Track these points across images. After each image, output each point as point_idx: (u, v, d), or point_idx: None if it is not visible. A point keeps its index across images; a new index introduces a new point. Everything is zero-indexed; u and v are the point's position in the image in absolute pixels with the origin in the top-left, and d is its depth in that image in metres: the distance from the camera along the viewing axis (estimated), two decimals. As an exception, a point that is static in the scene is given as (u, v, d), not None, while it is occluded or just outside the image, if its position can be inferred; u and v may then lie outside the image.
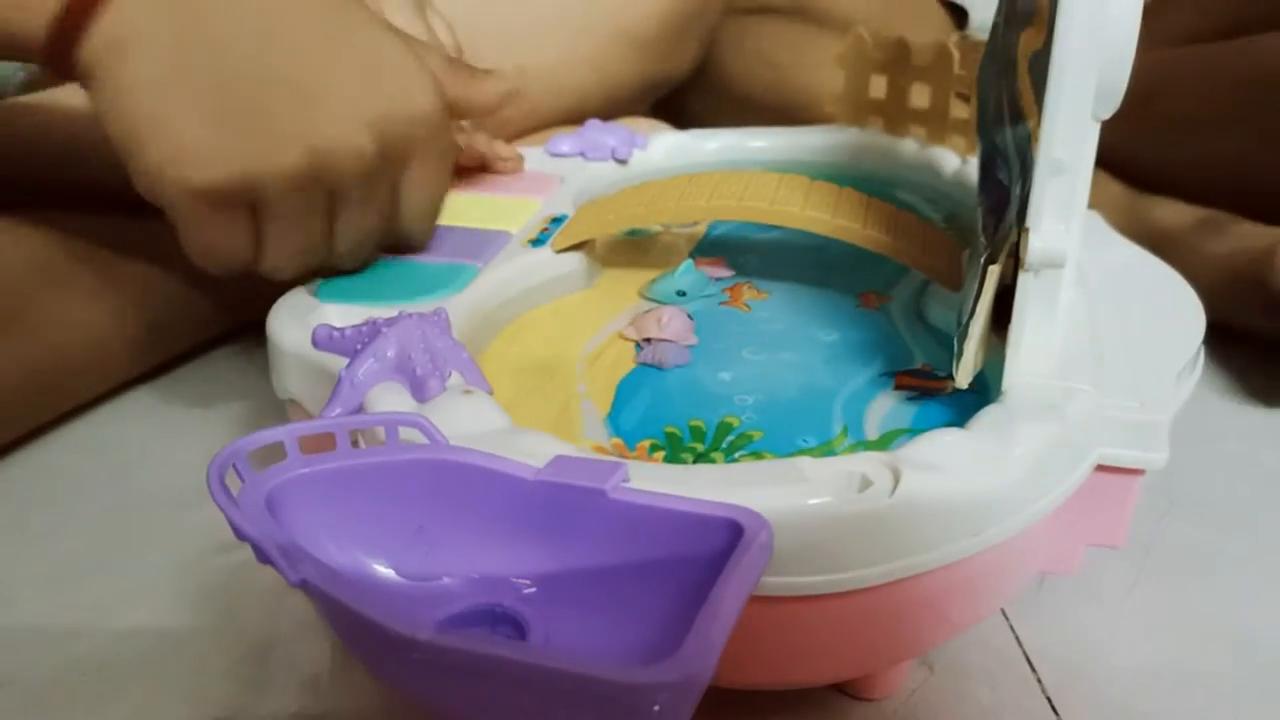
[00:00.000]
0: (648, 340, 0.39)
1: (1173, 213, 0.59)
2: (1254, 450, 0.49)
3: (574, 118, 0.63)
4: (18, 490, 0.46)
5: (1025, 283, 0.31)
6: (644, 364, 0.38)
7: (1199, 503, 0.44)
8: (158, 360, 0.53)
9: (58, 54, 0.36)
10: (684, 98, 0.75)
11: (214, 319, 0.55)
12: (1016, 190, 0.32)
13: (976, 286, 0.33)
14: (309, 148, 0.36)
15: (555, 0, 0.61)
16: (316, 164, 0.36)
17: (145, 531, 0.42)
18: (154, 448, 0.49)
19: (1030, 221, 0.31)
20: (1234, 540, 0.42)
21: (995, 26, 0.41)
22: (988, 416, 0.30)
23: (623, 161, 0.54)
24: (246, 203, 0.37)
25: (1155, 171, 0.61)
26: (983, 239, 0.37)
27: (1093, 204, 0.55)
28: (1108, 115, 0.34)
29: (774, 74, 0.76)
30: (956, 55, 0.51)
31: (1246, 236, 0.55)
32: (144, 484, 0.46)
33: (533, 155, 0.54)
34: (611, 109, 0.65)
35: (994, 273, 0.32)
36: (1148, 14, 0.66)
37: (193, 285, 0.52)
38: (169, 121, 0.35)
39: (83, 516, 0.44)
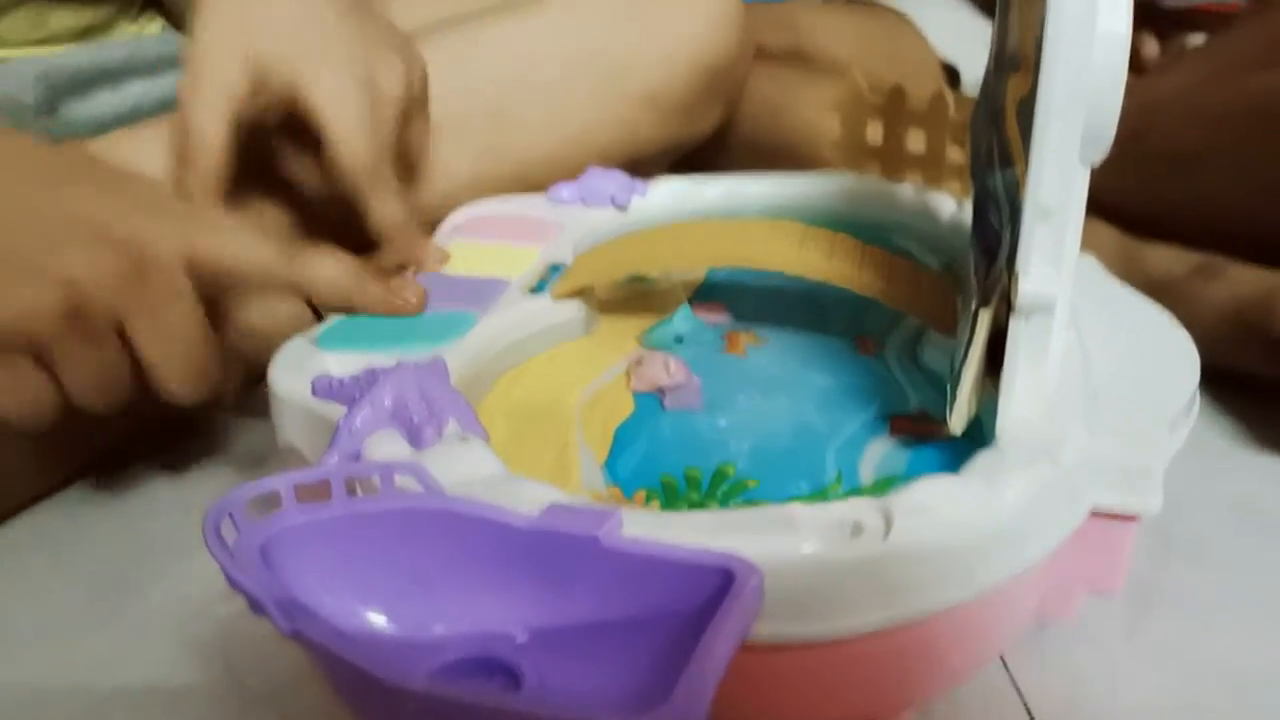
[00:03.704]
0: (660, 390, 0.39)
1: (1168, 258, 0.60)
2: (1253, 494, 0.48)
3: None
4: (19, 541, 0.46)
5: (1016, 327, 0.32)
6: (672, 409, 0.39)
7: (1198, 546, 0.44)
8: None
9: None
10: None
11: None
12: (1007, 235, 0.33)
13: (969, 332, 0.33)
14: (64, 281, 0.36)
15: (584, 65, 0.61)
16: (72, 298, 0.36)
17: (147, 581, 0.43)
18: (158, 495, 0.49)
19: (1020, 266, 0.31)
20: (1233, 583, 0.42)
21: (986, 74, 0.42)
22: (980, 462, 0.31)
23: (622, 208, 0.54)
24: (20, 345, 0.36)
25: (1149, 215, 0.62)
26: (974, 283, 0.37)
27: (1088, 250, 0.55)
28: (1097, 160, 0.35)
29: (772, 118, 0.76)
30: (952, 101, 0.52)
31: (1244, 281, 0.55)
32: (147, 532, 0.46)
33: (534, 202, 0.54)
34: (635, 168, 0.65)
35: (985, 317, 0.33)
36: (1153, 72, 0.67)
37: None
38: None
39: (85, 567, 0.44)
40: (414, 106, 0.51)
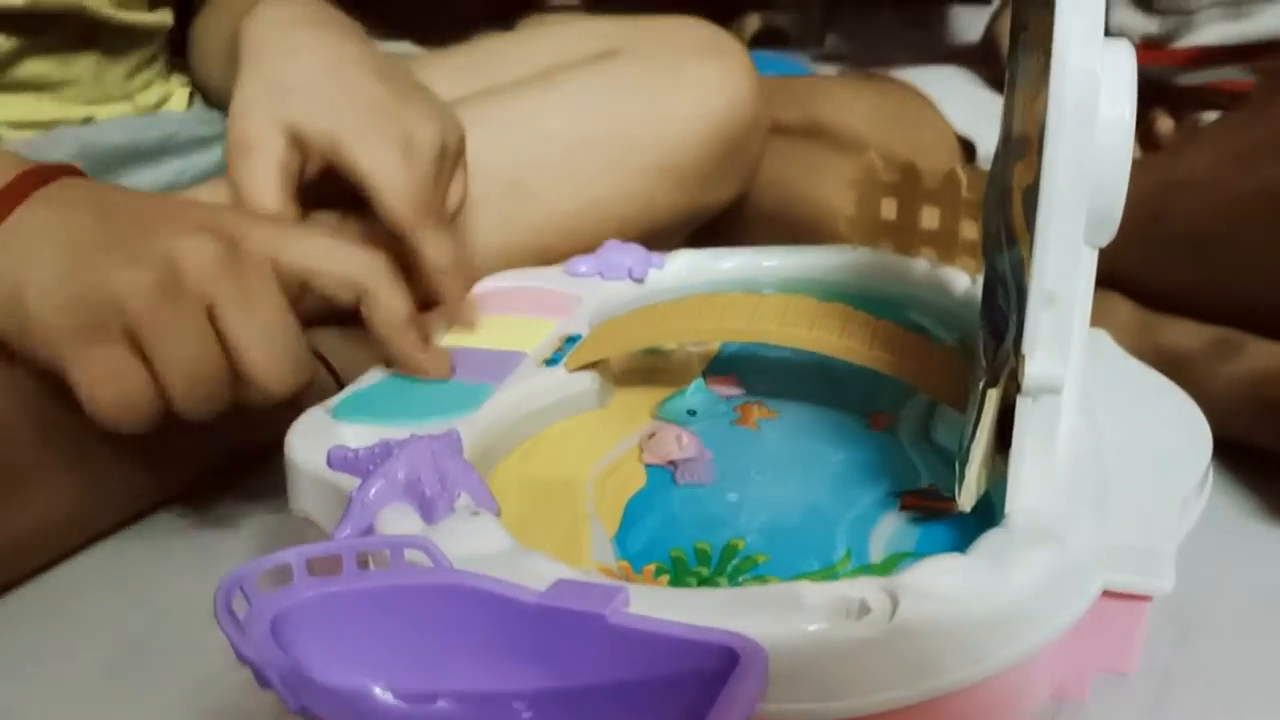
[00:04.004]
0: (672, 463, 0.40)
1: (1185, 333, 0.60)
2: (1272, 573, 0.48)
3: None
4: (35, 610, 0.46)
5: (1024, 408, 0.32)
6: (684, 483, 0.39)
7: (1215, 628, 0.43)
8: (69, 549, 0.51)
9: None
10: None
11: (184, 467, 0.53)
12: (1014, 318, 0.33)
13: (977, 410, 0.33)
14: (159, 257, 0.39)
15: (598, 138, 0.63)
16: (167, 274, 0.39)
17: (162, 649, 0.43)
18: (174, 562, 0.49)
19: (1026, 349, 0.31)
20: (1251, 666, 0.41)
21: (996, 155, 0.43)
22: (988, 542, 0.31)
23: (639, 281, 0.55)
24: (119, 329, 0.39)
25: (1165, 290, 0.62)
26: (983, 362, 0.38)
27: (1102, 324, 0.55)
28: (1104, 243, 0.35)
29: (787, 191, 0.77)
30: (964, 179, 0.52)
31: (1263, 357, 0.55)
32: (164, 601, 0.46)
33: (551, 275, 0.55)
34: (653, 237, 0.66)
35: (993, 397, 0.33)
36: (1168, 153, 0.68)
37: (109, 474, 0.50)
38: (39, 279, 0.39)
39: (101, 636, 0.44)
40: (450, 164, 0.52)
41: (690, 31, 0.67)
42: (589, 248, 0.64)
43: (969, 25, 1.59)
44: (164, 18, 0.63)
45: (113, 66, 0.60)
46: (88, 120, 0.60)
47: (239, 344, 0.40)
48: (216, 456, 0.54)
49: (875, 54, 1.22)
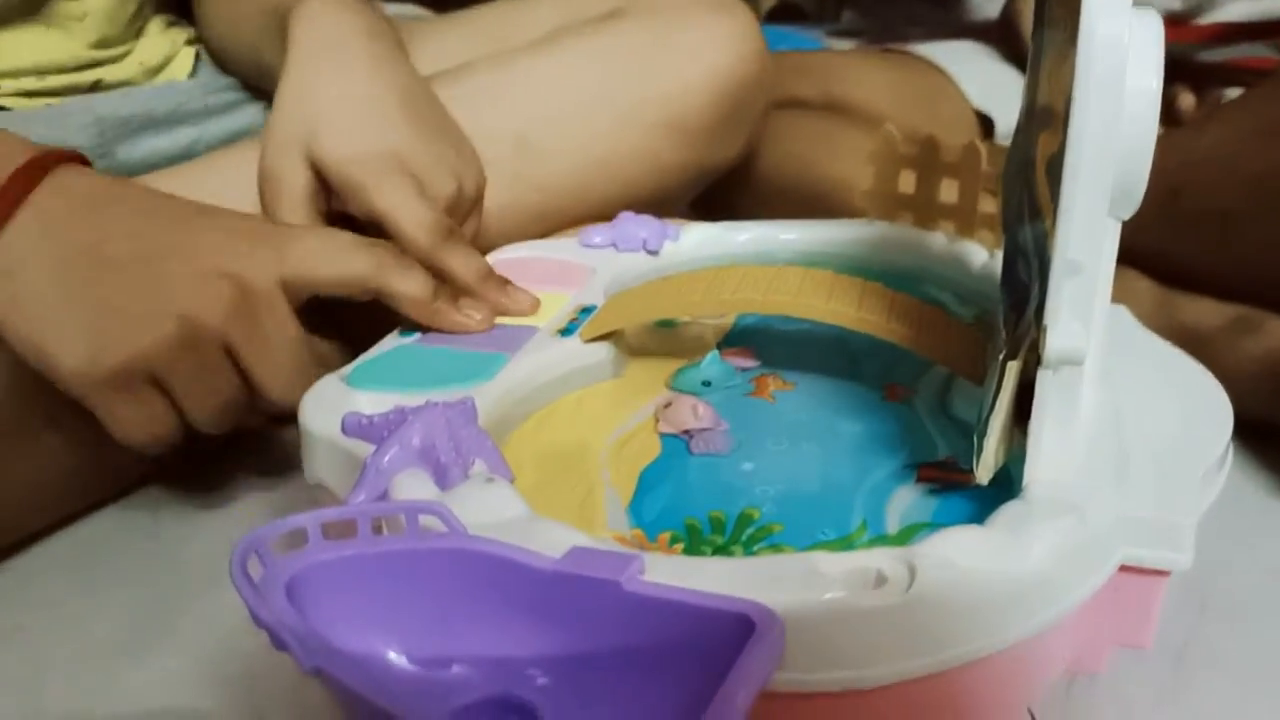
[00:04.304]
0: (687, 433, 0.40)
1: (1204, 310, 0.59)
2: (1292, 551, 0.47)
3: (625, 205, 0.65)
4: (53, 567, 0.47)
5: (1044, 380, 0.32)
6: (699, 453, 0.39)
7: (1233, 606, 0.43)
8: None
9: None
10: (716, 189, 0.77)
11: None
12: (1035, 288, 0.33)
13: (996, 383, 0.33)
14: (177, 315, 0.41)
15: (602, 93, 0.63)
16: (186, 329, 0.41)
17: (178, 611, 0.43)
18: (191, 526, 0.49)
19: (1048, 320, 0.31)
20: (1269, 644, 0.41)
21: (1018, 128, 0.42)
22: (1007, 513, 0.30)
23: (654, 253, 0.55)
24: (145, 378, 0.41)
25: (1184, 267, 0.61)
26: (1004, 334, 0.37)
27: (1124, 300, 0.55)
28: (1128, 215, 0.35)
29: (805, 166, 0.77)
30: (984, 152, 0.52)
31: (1282, 334, 0.54)
32: (180, 563, 0.47)
33: (566, 246, 0.55)
34: (661, 196, 0.67)
35: (1013, 369, 0.33)
36: (1190, 129, 0.67)
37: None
38: (59, 331, 0.40)
39: (118, 597, 0.44)
40: (467, 207, 0.53)
41: None
42: (596, 207, 0.64)
43: (986, 2, 1.58)
44: None
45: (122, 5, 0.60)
46: (96, 84, 0.60)
47: (258, 377, 0.43)
48: None
49: (891, 30, 1.20)
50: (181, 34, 0.66)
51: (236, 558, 0.26)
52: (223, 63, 0.66)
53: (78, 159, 0.44)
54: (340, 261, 0.44)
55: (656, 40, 0.64)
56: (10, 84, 0.56)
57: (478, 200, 0.55)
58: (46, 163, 0.42)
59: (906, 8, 1.57)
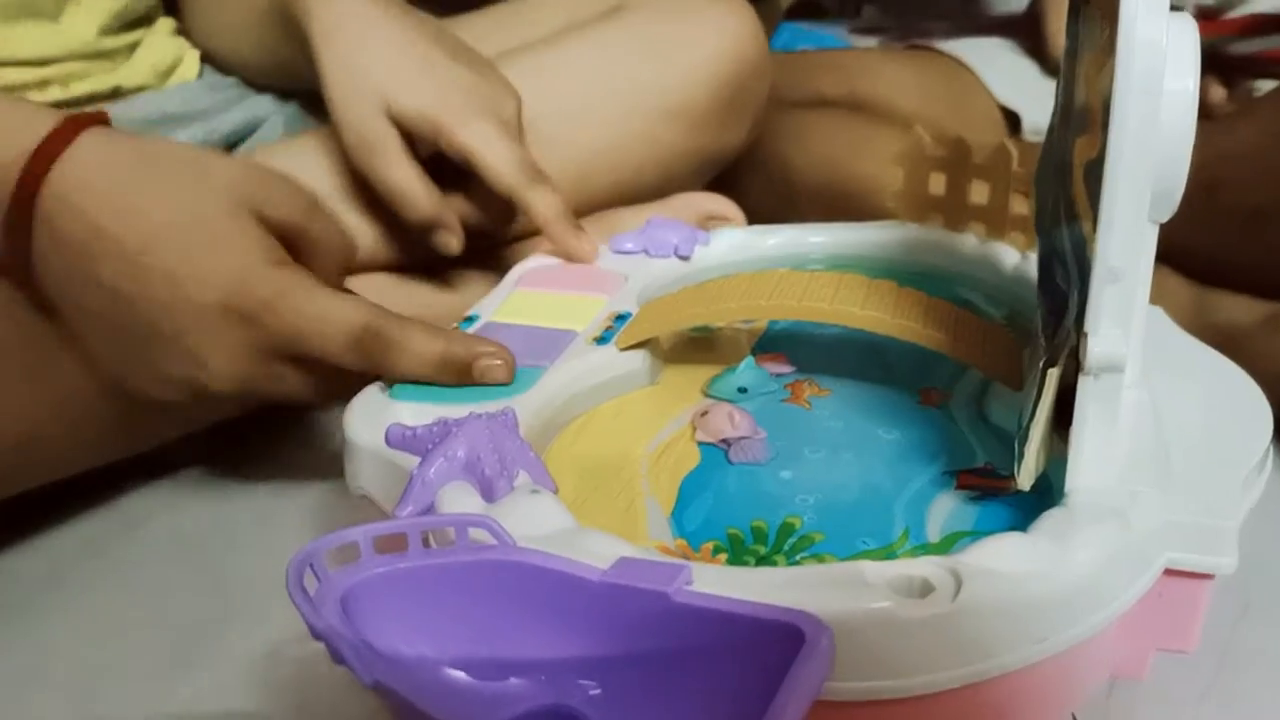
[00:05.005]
0: (725, 442, 0.40)
1: (1239, 308, 0.59)
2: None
3: (630, 192, 0.68)
4: (105, 577, 0.47)
5: (1085, 386, 0.32)
6: (738, 462, 0.39)
7: (1276, 606, 0.43)
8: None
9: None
10: (745, 191, 0.77)
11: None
12: (1074, 295, 0.33)
13: (1036, 389, 0.33)
14: None
15: (606, 82, 0.65)
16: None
17: (224, 622, 0.44)
18: (237, 535, 0.50)
19: (1089, 326, 0.31)
20: (1313, 644, 0.41)
21: (1051, 128, 0.42)
22: (1050, 520, 0.31)
23: (685, 258, 0.55)
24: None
25: (1220, 265, 0.61)
26: (1042, 341, 0.37)
27: (1156, 300, 0.54)
28: (1166, 218, 0.35)
29: (833, 166, 0.77)
30: (1015, 153, 0.52)
31: (1317, 332, 0.54)
32: (223, 573, 0.47)
33: (597, 252, 0.55)
34: (666, 184, 0.69)
35: (1054, 376, 0.33)
36: (1222, 124, 0.67)
37: None
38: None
39: (163, 607, 0.45)
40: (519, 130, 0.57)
41: None
42: (603, 193, 0.67)
43: (1011, -2, 1.57)
44: None
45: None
46: (116, 91, 0.61)
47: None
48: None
49: (913, 26, 1.20)
50: (184, 40, 0.67)
51: (293, 573, 0.27)
52: (223, 67, 0.67)
53: (102, 120, 0.45)
54: (336, 319, 0.42)
55: (658, 30, 0.67)
56: (37, 95, 0.57)
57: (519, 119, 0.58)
58: (77, 125, 0.43)
59: (929, 2, 1.56)
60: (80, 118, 0.43)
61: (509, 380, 0.41)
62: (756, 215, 0.76)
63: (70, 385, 0.46)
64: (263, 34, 0.61)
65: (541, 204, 0.53)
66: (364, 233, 0.59)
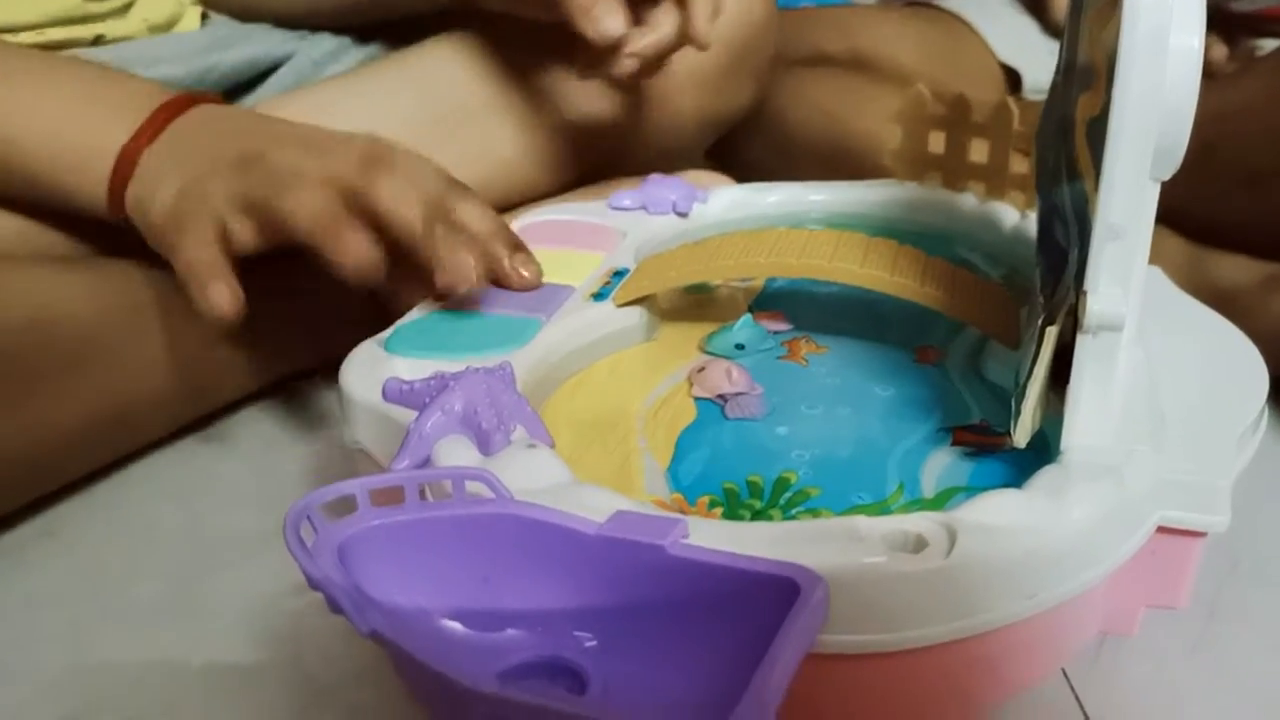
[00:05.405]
0: (722, 397, 0.40)
1: (1236, 268, 0.59)
2: (1323, 510, 0.48)
3: (639, 152, 0.67)
4: (95, 534, 0.47)
5: (1083, 345, 0.32)
6: (734, 417, 0.39)
7: (1264, 565, 0.43)
8: (207, 409, 0.55)
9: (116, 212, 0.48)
10: (744, 148, 0.77)
11: (257, 371, 0.57)
12: (1074, 253, 0.33)
13: (1034, 347, 0.33)
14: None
15: None
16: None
17: (219, 572, 0.44)
18: (227, 489, 0.50)
19: (1088, 284, 0.31)
20: (1301, 603, 0.41)
21: (1054, 85, 0.42)
22: (1045, 477, 0.31)
23: (683, 215, 0.55)
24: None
25: (1217, 225, 0.61)
26: (1040, 299, 0.37)
27: (1153, 259, 0.54)
28: (1167, 176, 0.34)
29: (832, 123, 0.77)
30: (1016, 112, 0.52)
31: (1314, 292, 0.54)
32: (218, 525, 0.47)
33: (594, 209, 0.55)
34: (675, 144, 0.69)
35: (1052, 334, 0.33)
36: (1223, 83, 0.66)
37: (239, 339, 0.54)
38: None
39: (159, 559, 0.45)
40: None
41: None
42: (615, 154, 0.66)
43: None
44: None
45: None
46: (98, 40, 0.60)
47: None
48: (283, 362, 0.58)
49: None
50: None
51: (290, 523, 0.27)
52: (251, 12, 0.66)
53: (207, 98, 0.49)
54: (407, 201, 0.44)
55: None
56: (9, 38, 0.56)
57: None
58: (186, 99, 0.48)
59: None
60: (188, 95, 0.48)
61: (538, 281, 0.45)
62: (755, 172, 0.75)
63: (157, 354, 0.50)
64: None
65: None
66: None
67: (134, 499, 0.50)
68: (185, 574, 0.44)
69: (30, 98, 0.48)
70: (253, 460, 0.53)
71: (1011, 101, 0.52)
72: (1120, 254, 0.31)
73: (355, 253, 0.41)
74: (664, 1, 0.55)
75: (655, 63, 0.56)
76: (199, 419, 0.55)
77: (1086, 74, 0.35)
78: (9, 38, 0.56)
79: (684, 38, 0.55)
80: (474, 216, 0.46)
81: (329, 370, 0.42)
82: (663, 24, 0.55)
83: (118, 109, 0.48)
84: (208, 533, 0.47)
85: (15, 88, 0.48)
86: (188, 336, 0.51)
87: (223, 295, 0.43)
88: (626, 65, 0.55)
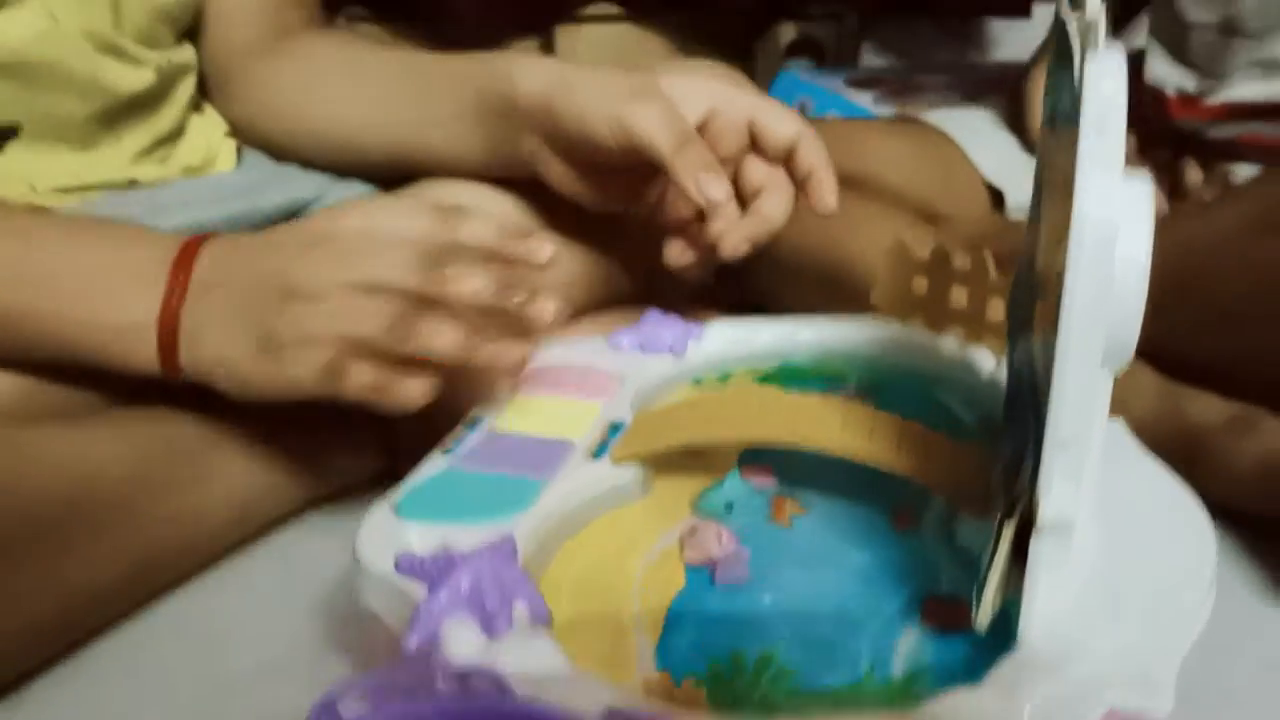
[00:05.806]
0: (712, 561, 0.43)
1: (1208, 407, 0.61)
2: (1281, 649, 0.50)
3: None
4: (103, 672, 0.49)
5: (1037, 542, 0.34)
6: (723, 584, 0.42)
7: (1227, 703, 0.45)
8: (239, 540, 0.58)
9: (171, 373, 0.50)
10: (740, 268, 0.80)
11: (290, 499, 0.59)
12: (1030, 460, 0.36)
13: (994, 539, 0.36)
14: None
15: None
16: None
17: (230, 710, 0.46)
18: (238, 623, 0.52)
19: (1040, 488, 0.34)
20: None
21: (1020, 261, 0.45)
22: (1002, 670, 0.33)
23: (679, 355, 0.58)
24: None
25: (1189, 362, 0.63)
26: (1003, 473, 0.40)
27: (1126, 394, 0.57)
28: (1120, 367, 0.37)
29: (826, 243, 0.79)
30: (992, 264, 0.55)
31: (1276, 434, 0.57)
32: (229, 661, 0.49)
33: (596, 349, 0.58)
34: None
35: (1009, 529, 0.36)
36: (1197, 215, 0.67)
37: (275, 469, 0.57)
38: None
39: (168, 698, 0.47)
40: None
41: None
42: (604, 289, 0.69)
43: (1007, 38, 1.60)
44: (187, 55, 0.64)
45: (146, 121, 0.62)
46: (133, 183, 0.61)
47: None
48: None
49: (910, 80, 1.23)
50: (217, 125, 0.68)
51: (313, 717, 0.30)
52: (289, 152, 0.68)
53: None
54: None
55: None
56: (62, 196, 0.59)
57: None
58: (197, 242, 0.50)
59: (927, 45, 1.59)
60: (194, 240, 0.50)
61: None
62: (749, 287, 0.79)
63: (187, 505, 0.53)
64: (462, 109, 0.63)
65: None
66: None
67: (141, 634, 0.51)
68: (198, 712, 0.46)
69: (50, 266, 0.49)
70: (267, 592, 0.55)
71: (987, 254, 0.55)
72: (1072, 459, 0.34)
73: (417, 395, 0.47)
74: (773, 170, 0.60)
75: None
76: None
77: (1043, 281, 0.38)
78: (60, 196, 0.59)
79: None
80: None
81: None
82: (775, 205, 0.61)
83: (136, 278, 0.49)
84: (220, 666, 0.49)
85: (34, 261, 0.49)
86: (223, 479, 0.54)
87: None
88: (740, 248, 0.60)
